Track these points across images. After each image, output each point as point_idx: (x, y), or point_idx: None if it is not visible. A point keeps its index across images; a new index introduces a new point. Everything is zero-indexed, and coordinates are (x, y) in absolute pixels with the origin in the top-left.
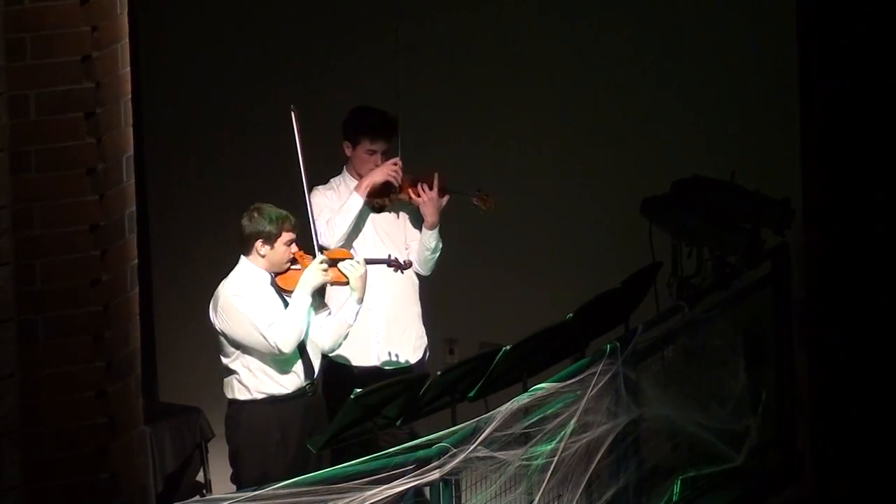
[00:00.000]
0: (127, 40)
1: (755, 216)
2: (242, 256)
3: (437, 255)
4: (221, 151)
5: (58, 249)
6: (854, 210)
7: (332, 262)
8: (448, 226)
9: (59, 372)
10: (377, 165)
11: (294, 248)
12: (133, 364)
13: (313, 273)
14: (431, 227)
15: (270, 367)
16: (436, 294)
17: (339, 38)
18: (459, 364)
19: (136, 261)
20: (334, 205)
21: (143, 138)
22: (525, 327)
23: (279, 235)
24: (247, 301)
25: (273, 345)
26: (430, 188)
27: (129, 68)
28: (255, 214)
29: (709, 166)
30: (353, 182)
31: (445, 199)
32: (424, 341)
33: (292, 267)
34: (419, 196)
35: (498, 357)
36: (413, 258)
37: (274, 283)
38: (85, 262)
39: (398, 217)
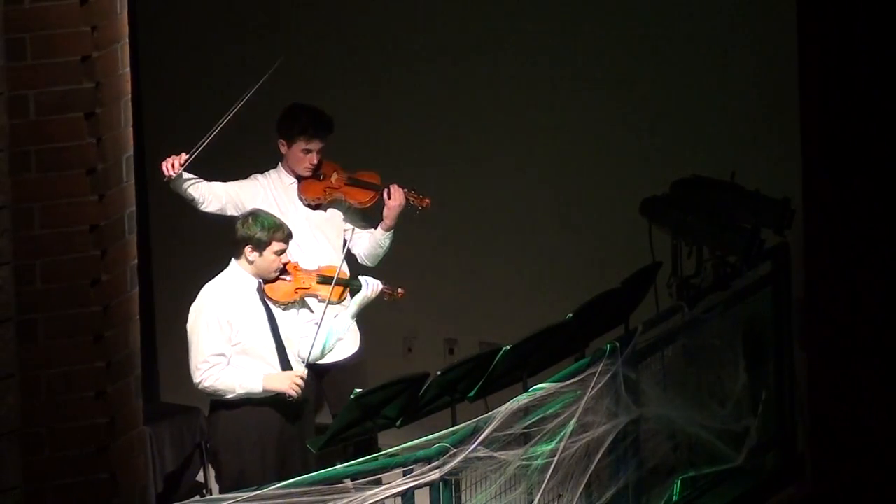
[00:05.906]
0: (127, 40)
1: (755, 216)
2: (233, 259)
3: (385, 250)
4: (221, 152)
5: (58, 249)
6: (854, 210)
7: (329, 280)
8: (448, 226)
9: (59, 372)
10: (312, 164)
11: (285, 258)
12: (133, 364)
13: (282, 383)
14: (389, 229)
15: (254, 368)
16: (436, 294)
17: (340, 38)
18: (459, 364)
19: (136, 261)
20: (254, 191)
21: (143, 138)
22: (525, 327)
23: (269, 244)
24: (217, 321)
25: (197, 377)
26: (386, 192)
27: (129, 68)
28: (249, 220)
29: (709, 166)
30: (288, 178)
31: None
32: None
33: (281, 277)
34: (389, 199)
35: (498, 357)
36: (362, 253)
37: (260, 290)
38: (85, 262)
39: (331, 213)
